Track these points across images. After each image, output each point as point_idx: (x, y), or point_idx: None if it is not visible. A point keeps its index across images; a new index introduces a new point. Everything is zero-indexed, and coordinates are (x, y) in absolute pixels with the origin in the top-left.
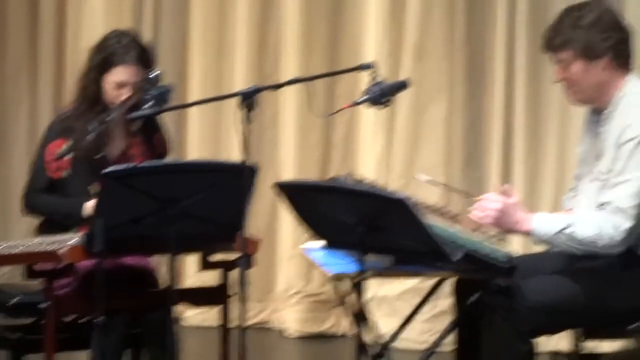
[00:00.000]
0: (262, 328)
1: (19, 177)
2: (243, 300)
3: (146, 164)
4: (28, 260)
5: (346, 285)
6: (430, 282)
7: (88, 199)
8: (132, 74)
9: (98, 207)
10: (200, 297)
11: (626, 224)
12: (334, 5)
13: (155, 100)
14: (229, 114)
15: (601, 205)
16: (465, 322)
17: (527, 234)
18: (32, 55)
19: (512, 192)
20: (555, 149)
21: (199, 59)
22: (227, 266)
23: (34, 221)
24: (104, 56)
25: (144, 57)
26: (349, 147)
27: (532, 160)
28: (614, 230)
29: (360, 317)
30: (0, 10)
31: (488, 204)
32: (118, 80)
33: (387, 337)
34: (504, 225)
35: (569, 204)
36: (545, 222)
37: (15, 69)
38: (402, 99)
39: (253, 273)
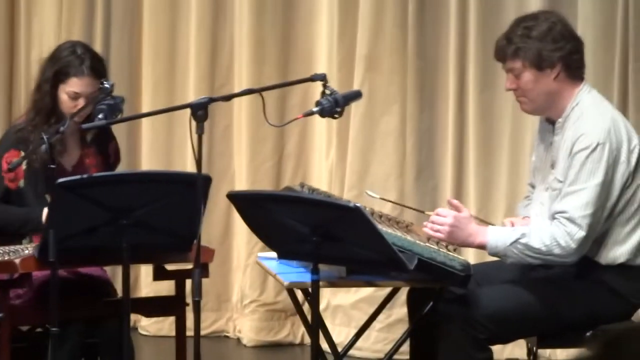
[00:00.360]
0: (218, 337)
1: None
2: (198, 309)
3: (99, 174)
4: None
5: (300, 294)
6: (385, 291)
7: (45, 207)
8: (87, 84)
9: (50, 217)
10: (155, 306)
11: (580, 233)
12: (286, 17)
13: (108, 111)
14: (181, 125)
15: (555, 215)
16: (420, 331)
17: (482, 247)
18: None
19: (462, 206)
20: (508, 158)
21: (151, 70)
22: (181, 276)
23: None
24: (59, 68)
25: (98, 68)
26: (302, 157)
27: (485, 169)
28: (568, 239)
29: (315, 327)
30: None
31: (440, 219)
32: (73, 92)
33: (342, 347)
34: (457, 240)
35: (523, 211)
36: (500, 234)
37: None
38: (355, 110)
39: (208, 282)
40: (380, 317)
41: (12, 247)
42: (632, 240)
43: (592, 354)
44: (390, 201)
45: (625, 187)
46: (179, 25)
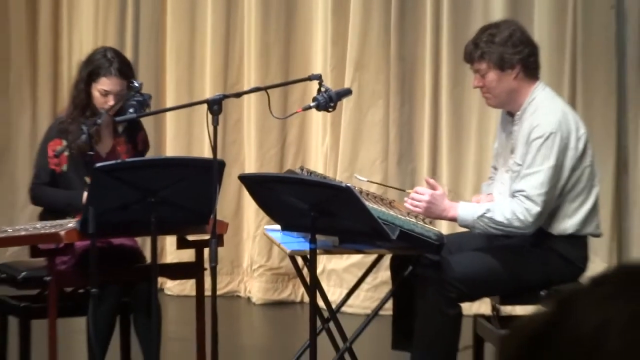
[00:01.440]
0: (231, 296)
1: (23, 174)
2: (214, 273)
3: (131, 159)
4: (33, 241)
5: (300, 260)
6: (371, 258)
7: (84, 189)
8: (114, 84)
9: (89, 196)
10: (178, 271)
11: (536, 208)
12: (287, 25)
13: (138, 106)
14: (200, 117)
15: (515, 193)
16: (401, 291)
17: (453, 219)
18: (32, 68)
19: (437, 185)
20: (475, 144)
21: (174, 71)
22: (200, 245)
23: (36, 210)
24: (92, 69)
25: (124, 70)
26: (301, 145)
27: (456, 154)
28: (526, 213)
29: (313, 287)
30: (4, 31)
31: (418, 197)
32: (103, 89)
33: (335, 304)
34: (433, 214)
35: (487, 189)
36: (468, 209)
37: (18, 80)
38: (346, 104)
39: (222, 250)
40: (368, 279)
41: (58, 222)
42: (579, 215)
43: (547, 311)
44: (376, 182)
45: (573, 170)
46: (197, 33)
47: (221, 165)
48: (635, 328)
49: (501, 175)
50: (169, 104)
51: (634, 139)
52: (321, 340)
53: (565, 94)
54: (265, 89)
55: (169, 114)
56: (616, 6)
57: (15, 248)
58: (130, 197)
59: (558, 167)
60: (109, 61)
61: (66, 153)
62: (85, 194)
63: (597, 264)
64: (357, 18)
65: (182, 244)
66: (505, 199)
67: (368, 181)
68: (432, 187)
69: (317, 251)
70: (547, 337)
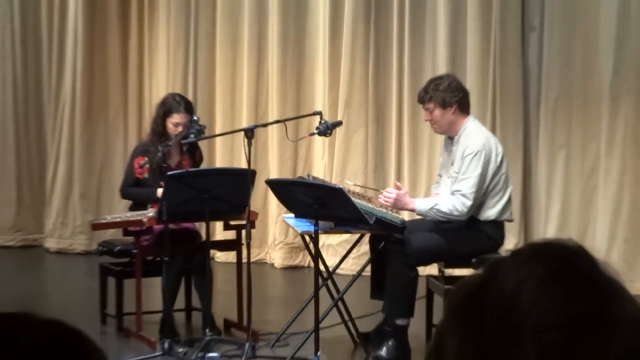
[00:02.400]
0: (260, 263)
1: (118, 179)
2: (248, 247)
3: (191, 169)
4: (125, 225)
5: (307, 238)
6: (356, 236)
7: (158, 188)
8: (182, 118)
9: (164, 194)
10: (224, 245)
11: (468, 202)
12: (299, 75)
13: (196, 133)
14: (239, 140)
15: (454, 192)
16: (376, 259)
17: (412, 210)
18: (124, 106)
19: (401, 187)
20: (427, 159)
21: (220, 108)
22: (239, 228)
23: (127, 204)
24: (166, 108)
25: (189, 108)
26: (308, 159)
27: (413, 165)
28: (462, 206)
29: (316, 256)
30: (104, 80)
31: (388, 195)
32: (175, 122)
33: (332, 267)
34: (398, 206)
35: (435, 190)
36: (423, 203)
37: (114, 115)
38: (338, 131)
39: (254, 231)
40: (354, 250)
41: (141, 212)
42: (498, 206)
43: (480, 274)
44: (359, 185)
45: (493, 176)
46: (236, 80)
47: (253, 173)
48: (541, 285)
49: (445, 180)
50: (217, 131)
51: (535, 155)
52: (322, 293)
53: (488, 124)
54: (284, 121)
55: (218, 138)
56: (522, 64)
57: (113, 230)
58: (191, 195)
59: (483, 175)
60: (177, 102)
61: (147, 166)
62: (159, 191)
63: (510, 240)
64: (346, 72)
65: (226, 227)
66: (448, 196)
67: (354, 184)
68: (398, 188)
69: (319, 232)
70: (480, 292)
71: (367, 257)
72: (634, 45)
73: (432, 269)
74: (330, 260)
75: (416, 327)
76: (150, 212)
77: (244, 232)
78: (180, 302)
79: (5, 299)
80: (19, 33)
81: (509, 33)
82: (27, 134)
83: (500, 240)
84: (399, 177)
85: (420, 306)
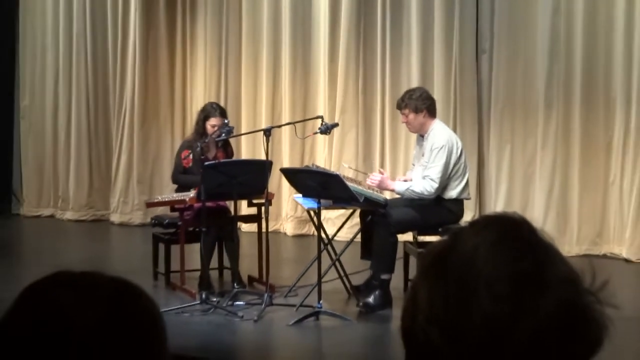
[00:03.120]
0: (276, 232)
1: (167, 168)
2: (267, 220)
3: (224, 160)
4: (172, 204)
5: (312, 213)
6: (350, 211)
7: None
8: (218, 120)
9: (202, 180)
10: (248, 219)
11: (435, 185)
12: (305, 86)
13: (227, 133)
14: (259, 138)
15: (424, 177)
16: (365, 228)
17: (393, 191)
18: (172, 112)
19: (384, 172)
20: (403, 152)
21: (245, 112)
22: (260, 205)
23: (173, 187)
24: (205, 113)
25: (223, 113)
26: (312, 152)
27: (393, 156)
28: (430, 188)
29: (319, 226)
30: (156, 91)
31: (374, 178)
32: (212, 124)
33: (331, 235)
34: (381, 187)
35: (410, 175)
36: (401, 185)
37: (164, 120)
38: (336, 131)
39: (271, 208)
40: (347, 222)
41: (185, 193)
42: (458, 188)
43: (445, 239)
44: (353, 168)
45: (454, 165)
46: (257, 90)
47: (270, 163)
48: (492, 248)
49: (417, 168)
50: (243, 131)
51: (487, 149)
52: (323, 255)
53: (450, 125)
54: (293, 123)
55: (243, 136)
56: (476, 79)
57: (162, 207)
58: (223, 180)
59: (447, 164)
60: (214, 109)
61: (190, 157)
62: (198, 178)
63: (468, 214)
64: (341, 86)
65: (250, 205)
66: (419, 180)
67: (349, 167)
68: (381, 174)
69: (321, 208)
70: (445, 254)
71: (358, 227)
72: (562, 64)
73: (408, 237)
74: (330, 229)
75: (396, 281)
76: (191, 193)
77: (263, 208)
78: (214, 262)
79: (79, 261)
80: (90, 55)
81: (466, 55)
82: (96, 133)
83: (460, 214)
84: (382, 165)
85: (399, 265)
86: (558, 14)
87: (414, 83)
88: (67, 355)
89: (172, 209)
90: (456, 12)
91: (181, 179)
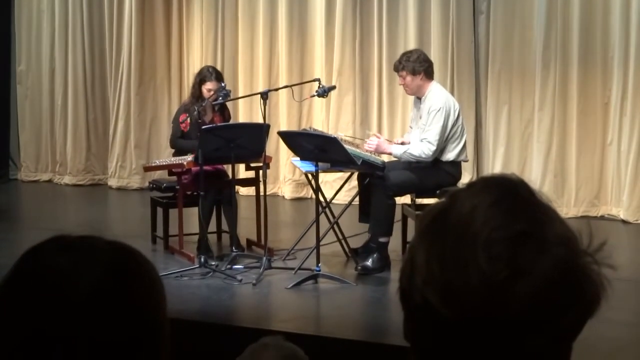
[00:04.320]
0: (274, 195)
1: (164, 132)
2: (265, 183)
3: (221, 124)
4: (170, 167)
5: (310, 176)
6: (348, 174)
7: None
8: (214, 84)
9: (199, 143)
10: (246, 182)
11: (433, 147)
12: (303, 50)
13: (224, 96)
14: (257, 101)
15: (422, 139)
16: (363, 191)
17: (390, 154)
18: (168, 76)
19: (380, 136)
20: (401, 114)
21: (242, 76)
22: (258, 168)
23: (172, 151)
24: (201, 77)
25: (218, 77)
26: (310, 115)
27: (390, 119)
28: (427, 150)
29: (317, 190)
30: (152, 56)
31: (371, 142)
32: (208, 88)
33: (329, 198)
34: (379, 150)
35: (407, 138)
36: (398, 148)
37: (161, 83)
38: (333, 94)
39: (269, 172)
40: (345, 185)
41: (182, 157)
42: (456, 150)
43: (443, 201)
44: (349, 136)
45: (452, 127)
46: (254, 53)
47: (267, 126)
48: (489, 209)
49: (415, 130)
50: (240, 94)
51: (484, 110)
52: (321, 218)
53: (448, 87)
54: (290, 86)
55: (240, 99)
56: (473, 40)
57: (160, 171)
58: (221, 143)
59: (444, 126)
60: (210, 72)
61: (188, 121)
62: (198, 143)
63: (466, 176)
64: (338, 48)
65: (247, 168)
66: (417, 142)
67: (345, 135)
68: (378, 137)
69: (319, 171)
70: (443, 216)
71: (356, 190)
72: (559, 25)
73: (406, 199)
74: (328, 193)
75: (394, 244)
76: (189, 157)
77: (261, 172)
78: (212, 226)
79: (77, 225)
80: (86, 19)
81: (463, 16)
82: (93, 97)
83: (458, 176)
84: (379, 127)
85: (397, 228)
86: None
87: (411, 45)
88: (65, 319)
89: (170, 173)
90: None
91: (179, 143)
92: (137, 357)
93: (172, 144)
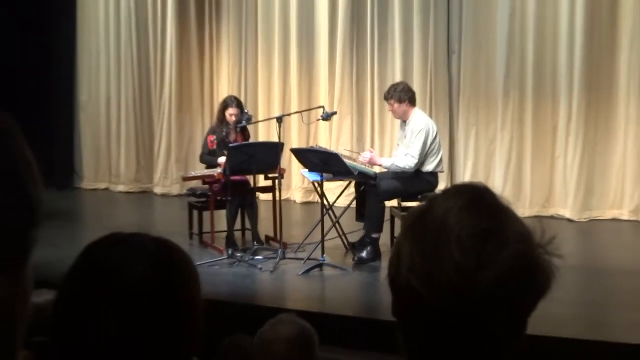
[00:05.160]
0: (287, 200)
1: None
2: (279, 190)
3: (243, 142)
4: (204, 178)
5: (316, 184)
6: (346, 182)
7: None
8: (234, 110)
9: (227, 159)
10: (265, 189)
11: (415, 160)
12: (310, 81)
13: (247, 120)
14: (273, 124)
15: (406, 154)
16: (359, 196)
17: (381, 166)
18: (201, 104)
19: (373, 150)
20: (389, 134)
21: (261, 103)
22: (274, 178)
23: (202, 165)
24: (224, 104)
25: (239, 104)
26: (316, 135)
27: (381, 138)
28: (411, 163)
29: (322, 195)
30: (189, 84)
31: (365, 156)
32: (230, 113)
33: (331, 202)
34: (372, 162)
35: (395, 153)
36: (387, 161)
37: (196, 111)
38: (335, 118)
39: (283, 181)
40: (345, 191)
41: (213, 169)
42: (433, 163)
43: (423, 204)
44: (348, 150)
45: (431, 144)
46: (271, 85)
47: (282, 144)
48: (460, 211)
49: (400, 147)
50: (260, 118)
51: (456, 131)
52: (325, 218)
53: (427, 112)
54: (300, 112)
55: (260, 123)
56: (448, 74)
57: (195, 181)
58: (244, 158)
59: (424, 144)
60: (231, 100)
61: (215, 140)
62: (220, 159)
63: (442, 184)
64: (338, 80)
65: (266, 178)
66: (402, 156)
67: (344, 149)
68: (371, 152)
69: (323, 180)
70: (423, 216)
71: (353, 195)
72: (517, 58)
73: (393, 203)
74: (330, 197)
75: (384, 239)
76: (219, 169)
77: (276, 181)
78: (238, 225)
79: (129, 225)
80: (135, 57)
81: (439, 55)
82: (142, 122)
83: (435, 184)
84: (372, 145)
85: (386, 226)
86: (513, 19)
87: (398, 78)
88: (120, 303)
89: (204, 182)
90: (431, 21)
91: (205, 158)
92: (179, 334)
93: (200, 159)
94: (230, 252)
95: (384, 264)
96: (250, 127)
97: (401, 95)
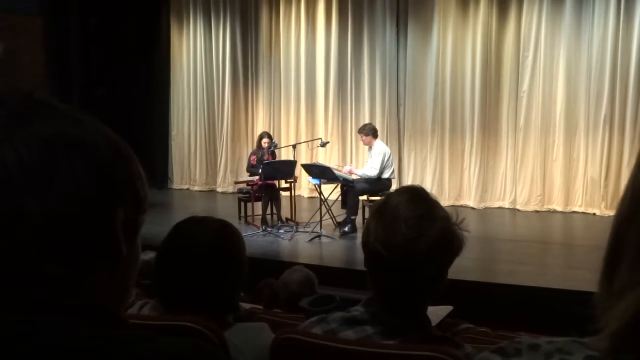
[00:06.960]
0: (299, 196)
1: (244, 164)
2: (294, 189)
3: (273, 160)
4: (248, 182)
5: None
6: (336, 184)
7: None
8: (266, 140)
9: (262, 170)
10: (285, 189)
11: (376, 171)
12: (312, 123)
13: (274, 146)
14: (290, 149)
15: (371, 167)
16: (343, 193)
17: (356, 174)
18: (247, 136)
19: (352, 165)
20: (361, 156)
21: (284, 135)
22: (291, 182)
23: (247, 174)
24: (260, 136)
25: (269, 135)
26: (316, 156)
27: (356, 158)
28: (374, 173)
29: (320, 192)
30: (239, 125)
31: (346, 168)
32: (264, 141)
33: (326, 196)
34: (350, 173)
35: (365, 167)
36: (360, 171)
37: (243, 139)
38: (328, 146)
39: (297, 184)
40: (335, 190)
41: (254, 177)
42: (388, 173)
43: (383, 198)
44: (337, 165)
45: (386, 162)
46: (290, 126)
47: (295, 162)
48: (406, 202)
49: (368, 164)
50: (282, 145)
51: (403, 153)
52: (322, 207)
53: (385, 141)
54: (306, 141)
55: (282, 148)
56: (397, 118)
57: (242, 184)
58: (272, 169)
59: (383, 161)
60: (265, 134)
61: (255, 159)
62: (261, 169)
63: (394, 186)
64: (331, 121)
65: (286, 182)
66: (369, 168)
67: (334, 165)
68: (350, 166)
69: (321, 183)
70: (383, 205)
71: (339, 192)
72: (439, 109)
73: (364, 197)
74: (325, 193)
75: (359, 220)
76: (257, 176)
77: (293, 184)
78: (268, 210)
79: (202, 212)
80: (205, 103)
81: (392, 105)
82: (209, 146)
83: (390, 185)
84: (351, 162)
85: (360, 212)
86: (437, 84)
87: (367, 119)
88: (195, 259)
89: (248, 185)
90: (387, 85)
91: (249, 170)
92: (233, 279)
93: (247, 169)
94: (263, 227)
95: (359, 235)
96: (276, 151)
97: (368, 131)
